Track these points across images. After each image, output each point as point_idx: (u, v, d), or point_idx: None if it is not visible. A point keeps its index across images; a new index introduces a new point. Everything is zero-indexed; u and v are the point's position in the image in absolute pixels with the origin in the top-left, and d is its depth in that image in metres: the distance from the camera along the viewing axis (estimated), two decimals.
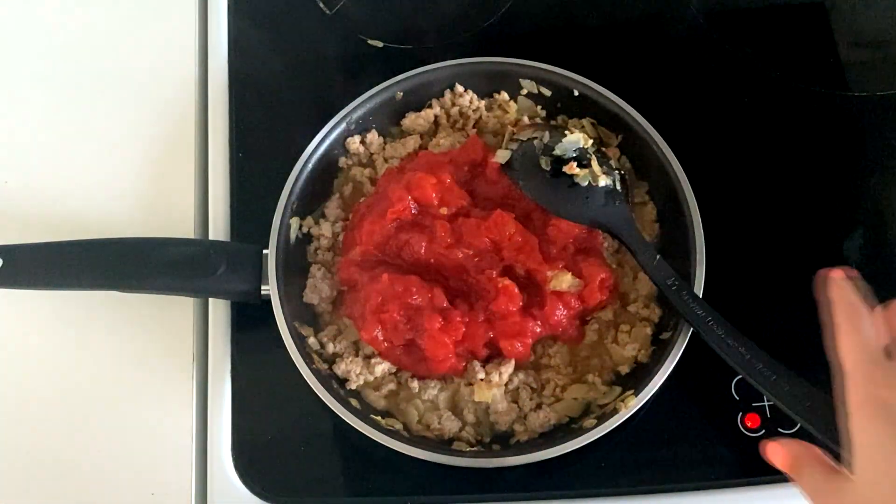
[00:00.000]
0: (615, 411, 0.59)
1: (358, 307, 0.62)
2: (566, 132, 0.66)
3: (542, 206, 0.64)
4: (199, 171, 0.74)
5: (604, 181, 0.64)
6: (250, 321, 0.66)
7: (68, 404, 0.66)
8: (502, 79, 0.72)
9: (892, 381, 0.44)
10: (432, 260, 0.63)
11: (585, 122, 0.70)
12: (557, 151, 0.65)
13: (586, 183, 0.63)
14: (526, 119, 0.71)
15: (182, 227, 0.71)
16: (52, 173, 0.74)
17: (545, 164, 0.64)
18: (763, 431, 0.61)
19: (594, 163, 0.64)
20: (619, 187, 0.65)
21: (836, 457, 0.48)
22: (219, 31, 0.79)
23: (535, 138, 0.66)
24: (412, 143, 0.71)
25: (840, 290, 0.50)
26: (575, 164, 0.64)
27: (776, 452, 0.50)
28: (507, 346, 0.61)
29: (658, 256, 0.62)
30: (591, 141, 0.65)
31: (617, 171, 0.66)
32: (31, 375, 0.67)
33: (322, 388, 0.60)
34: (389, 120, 0.72)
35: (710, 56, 0.77)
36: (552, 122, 0.71)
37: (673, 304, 0.60)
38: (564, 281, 0.61)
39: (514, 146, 0.66)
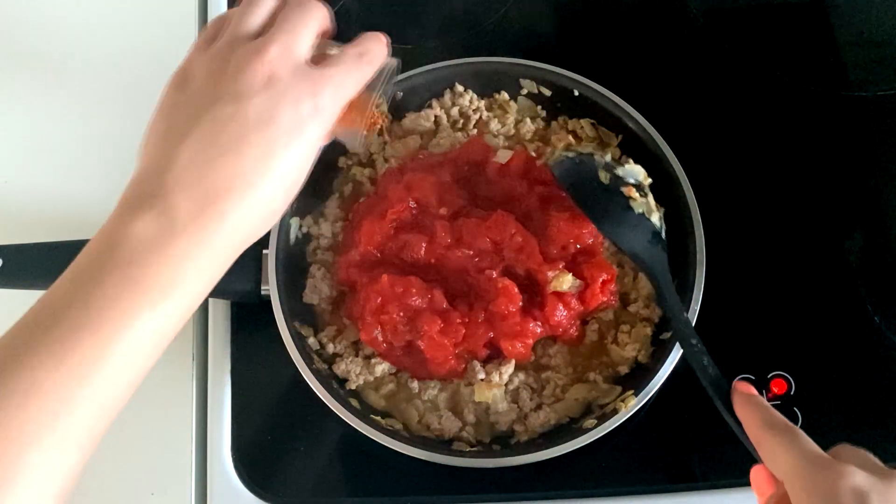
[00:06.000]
0: (615, 411, 0.59)
1: (357, 308, 0.62)
2: (629, 161, 0.66)
3: (587, 215, 0.62)
4: None
5: (656, 217, 0.63)
6: (250, 321, 0.66)
7: None
8: (502, 79, 0.72)
9: (837, 475, 0.42)
10: (432, 260, 0.63)
11: (585, 122, 0.70)
12: (619, 172, 0.64)
13: (640, 211, 0.62)
14: (571, 138, 0.70)
15: None
16: (52, 173, 0.74)
17: (605, 178, 0.63)
18: None
19: (651, 198, 0.64)
20: (663, 234, 0.64)
21: None
22: None
23: (595, 154, 0.65)
24: (412, 143, 0.71)
25: (749, 406, 0.50)
26: (634, 189, 0.63)
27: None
28: (507, 346, 0.61)
29: (686, 315, 0.59)
30: (649, 179, 0.65)
31: (662, 220, 0.64)
32: None
33: (322, 388, 0.60)
34: (389, 120, 0.72)
35: (710, 56, 0.77)
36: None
37: (692, 366, 0.57)
38: (565, 282, 0.61)
39: (571, 154, 0.65)
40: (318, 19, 0.50)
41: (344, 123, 0.51)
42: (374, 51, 0.51)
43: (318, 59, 0.50)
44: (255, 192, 0.45)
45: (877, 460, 0.45)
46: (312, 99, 0.46)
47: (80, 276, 0.42)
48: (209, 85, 0.46)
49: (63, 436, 0.40)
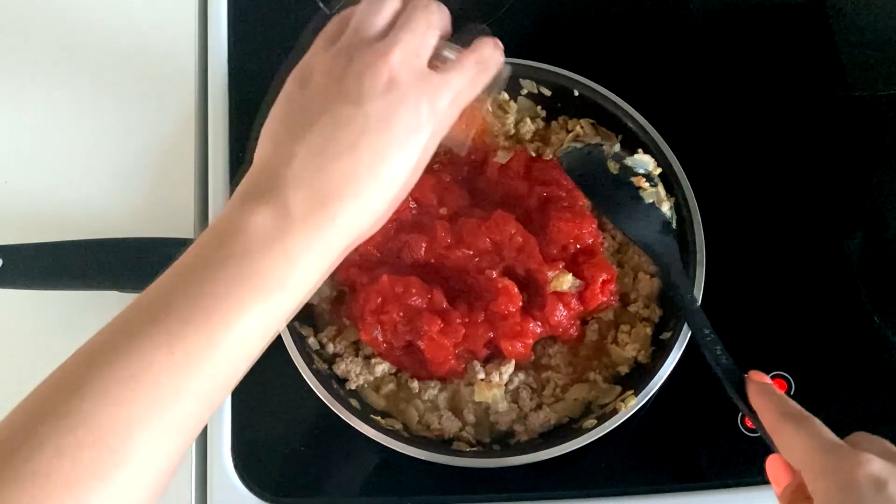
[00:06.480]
0: (615, 411, 0.59)
1: (357, 308, 0.62)
2: (637, 151, 0.66)
3: (596, 207, 0.62)
4: (199, 171, 0.73)
5: (666, 207, 0.63)
6: None
7: None
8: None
9: (854, 463, 0.42)
10: (432, 260, 0.63)
11: (585, 122, 0.70)
12: (628, 162, 0.64)
13: (650, 201, 0.63)
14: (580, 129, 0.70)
15: (182, 227, 0.70)
16: (52, 173, 0.74)
17: (613, 167, 0.63)
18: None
19: (661, 188, 0.64)
20: (674, 224, 0.64)
21: None
22: (219, 30, 0.79)
23: (604, 145, 0.65)
24: None
25: (764, 395, 0.50)
26: (643, 179, 0.63)
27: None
28: (507, 346, 0.61)
29: (698, 304, 0.60)
30: (659, 169, 0.65)
31: (672, 210, 0.65)
32: (31, 376, 0.67)
33: (322, 388, 0.60)
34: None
35: (710, 56, 0.77)
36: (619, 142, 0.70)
37: (704, 355, 0.56)
38: (565, 282, 0.61)
39: (580, 145, 0.65)
40: (441, 22, 0.50)
41: (453, 128, 0.51)
42: (492, 58, 0.51)
43: (433, 60, 0.50)
44: (368, 193, 0.45)
45: (893, 447, 0.45)
46: (431, 104, 0.47)
47: (196, 262, 0.43)
48: (331, 84, 0.47)
49: (169, 420, 0.40)
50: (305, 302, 0.46)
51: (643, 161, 0.64)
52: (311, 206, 0.44)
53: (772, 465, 0.49)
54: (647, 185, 0.63)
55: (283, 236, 0.43)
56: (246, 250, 0.43)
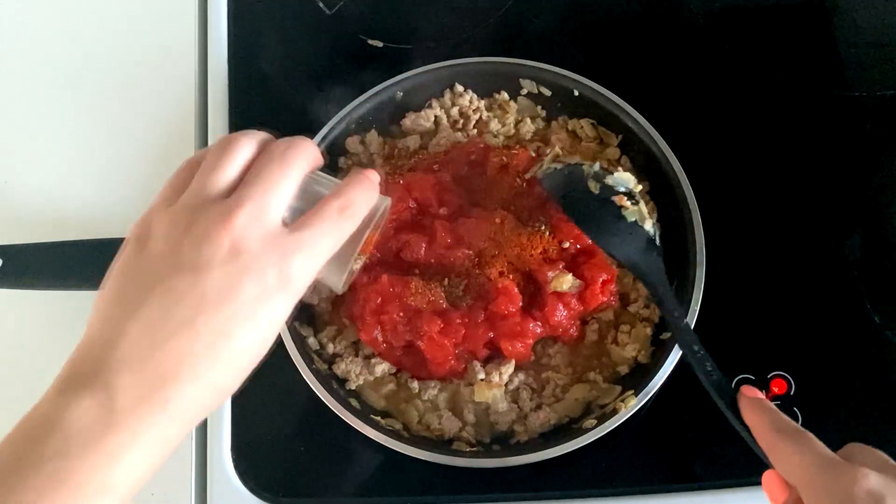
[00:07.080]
0: (615, 411, 0.59)
1: (357, 308, 0.62)
2: (618, 168, 0.65)
3: (581, 229, 0.62)
4: None
5: (649, 224, 0.62)
6: None
7: None
8: (502, 79, 0.72)
9: (851, 479, 0.42)
10: (432, 260, 0.63)
11: (585, 122, 0.70)
12: (609, 181, 0.63)
13: (633, 220, 0.62)
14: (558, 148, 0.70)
15: None
16: (52, 173, 0.74)
17: (594, 187, 0.62)
18: None
19: (643, 205, 0.63)
20: (657, 241, 0.63)
21: None
22: (219, 30, 0.79)
23: (584, 164, 0.64)
24: (412, 143, 0.71)
25: (757, 410, 0.50)
26: (625, 198, 0.63)
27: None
28: (507, 346, 0.61)
29: (686, 321, 0.59)
30: (640, 186, 0.64)
31: (656, 225, 0.64)
32: (31, 376, 0.67)
33: (322, 388, 0.60)
34: (389, 120, 0.72)
35: (710, 56, 0.77)
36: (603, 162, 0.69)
37: (695, 372, 0.56)
38: (565, 282, 0.61)
39: (559, 166, 0.65)
40: (300, 169, 0.45)
41: (323, 270, 0.46)
42: (359, 202, 0.46)
43: (304, 195, 0.45)
44: (207, 374, 0.40)
45: (888, 458, 0.45)
46: (280, 270, 0.42)
47: (9, 461, 0.38)
48: (167, 251, 0.42)
49: None
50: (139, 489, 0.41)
51: (624, 179, 0.63)
52: (139, 393, 0.39)
53: (768, 480, 0.49)
54: (628, 203, 0.62)
55: (106, 432, 0.38)
56: (62, 451, 0.37)
